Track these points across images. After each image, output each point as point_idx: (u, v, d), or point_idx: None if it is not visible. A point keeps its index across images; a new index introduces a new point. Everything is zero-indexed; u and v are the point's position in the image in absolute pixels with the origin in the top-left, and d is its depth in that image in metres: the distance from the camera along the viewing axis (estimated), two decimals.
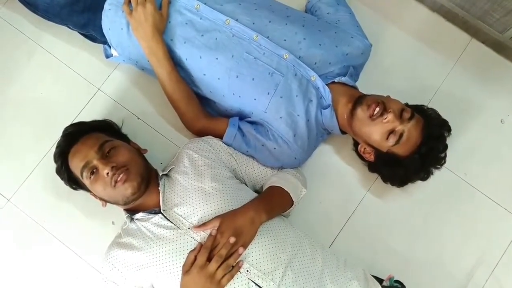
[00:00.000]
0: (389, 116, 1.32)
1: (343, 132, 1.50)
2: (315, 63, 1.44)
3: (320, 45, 1.44)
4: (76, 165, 1.30)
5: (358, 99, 1.39)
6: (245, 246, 1.20)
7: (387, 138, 1.34)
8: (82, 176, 1.29)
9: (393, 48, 1.63)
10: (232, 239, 1.18)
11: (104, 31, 1.49)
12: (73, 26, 1.52)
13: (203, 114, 1.49)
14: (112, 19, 1.46)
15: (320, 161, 1.53)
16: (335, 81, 1.45)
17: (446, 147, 1.41)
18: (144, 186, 1.30)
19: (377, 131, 1.35)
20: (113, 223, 1.53)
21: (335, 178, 1.60)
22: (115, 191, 1.27)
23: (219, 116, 1.53)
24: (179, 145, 1.58)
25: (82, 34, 1.58)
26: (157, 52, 1.40)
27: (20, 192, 1.57)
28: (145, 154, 1.43)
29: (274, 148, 1.43)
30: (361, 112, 1.36)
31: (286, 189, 1.34)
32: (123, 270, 1.29)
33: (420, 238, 1.56)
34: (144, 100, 1.62)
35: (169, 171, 1.39)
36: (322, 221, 1.56)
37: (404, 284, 1.40)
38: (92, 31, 1.52)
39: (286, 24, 1.45)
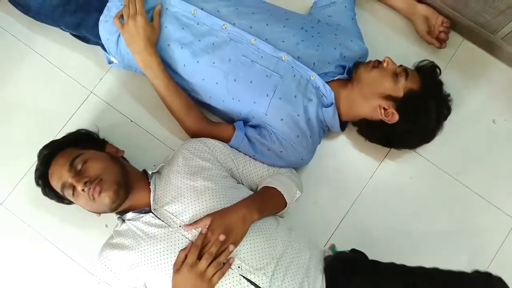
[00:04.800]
0: (387, 59, 1.42)
1: (342, 129, 1.52)
2: (314, 63, 1.45)
3: (318, 46, 1.45)
4: (56, 186, 1.31)
5: (356, 69, 1.45)
6: (235, 244, 1.20)
7: (397, 78, 1.39)
8: (64, 195, 1.30)
9: (385, 49, 1.63)
10: (222, 237, 1.18)
11: (103, 41, 1.49)
12: (66, 27, 1.52)
13: (205, 121, 1.49)
14: (109, 30, 1.46)
15: (314, 160, 1.53)
16: (335, 79, 1.47)
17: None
18: (123, 191, 1.28)
19: (385, 76, 1.40)
20: (106, 226, 1.52)
21: (330, 178, 1.60)
22: (96, 203, 1.27)
23: (220, 122, 1.54)
24: (172, 147, 1.58)
25: (74, 36, 1.57)
26: (152, 65, 1.40)
27: (13, 196, 1.56)
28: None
29: (281, 151, 1.44)
30: (364, 70, 1.43)
31: (279, 190, 1.34)
32: (116, 271, 1.29)
33: (413, 238, 1.57)
34: (137, 103, 1.61)
35: (160, 169, 1.39)
36: (317, 220, 1.57)
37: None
38: (85, 32, 1.51)
39: (284, 26, 1.45)
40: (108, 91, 1.62)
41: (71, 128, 1.57)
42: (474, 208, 1.59)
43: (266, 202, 1.32)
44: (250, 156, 1.46)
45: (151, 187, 1.33)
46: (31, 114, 1.61)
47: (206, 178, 1.31)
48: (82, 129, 1.48)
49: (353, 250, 1.42)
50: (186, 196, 1.28)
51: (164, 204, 1.28)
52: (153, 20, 1.42)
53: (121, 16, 1.41)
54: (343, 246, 1.54)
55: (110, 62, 1.56)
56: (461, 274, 1.25)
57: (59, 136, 1.55)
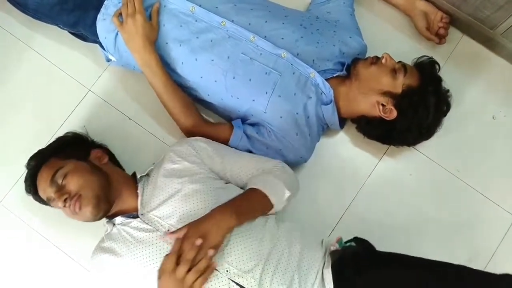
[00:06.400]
0: (385, 55, 1.42)
1: (341, 126, 1.52)
2: (313, 60, 1.44)
3: (317, 43, 1.45)
4: (43, 197, 1.34)
5: (354, 65, 1.45)
6: (215, 249, 1.16)
7: (396, 74, 1.39)
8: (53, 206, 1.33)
9: (383, 45, 1.62)
10: (198, 241, 1.14)
11: (101, 39, 1.49)
12: (63, 25, 1.52)
13: (203, 121, 1.48)
14: (107, 28, 1.46)
15: (312, 158, 1.52)
16: (334, 76, 1.46)
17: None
18: (104, 204, 1.29)
19: (384, 73, 1.40)
20: (104, 224, 1.52)
21: (329, 175, 1.59)
22: (80, 216, 1.29)
23: (218, 121, 1.53)
24: (170, 144, 1.57)
25: (72, 34, 1.57)
26: (150, 63, 1.40)
27: (11, 194, 1.56)
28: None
29: (280, 150, 1.44)
30: (362, 66, 1.43)
31: (264, 191, 1.29)
32: (107, 275, 1.30)
33: (413, 235, 1.56)
34: (135, 100, 1.61)
35: (150, 171, 1.38)
36: (316, 219, 1.56)
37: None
38: (83, 30, 1.51)
39: (283, 23, 1.45)
40: (106, 89, 1.62)
41: (69, 126, 1.58)
42: (474, 205, 1.58)
43: (246, 205, 1.27)
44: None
45: (139, 191, 1.33)
46: (29, 112, 1.61)
47: (194, 181, 1.30)
48: (69, 133, 1.47)
49: (356, 239, 1.38)
50: (174, 200, 1.27)
51: (152, 208, 1.28)
52: (151, 18, 1.41)
53: (120, 15, 1.41)
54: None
55: (108, 60, 1.56)
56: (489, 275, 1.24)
57: (58, 133, 1.57)
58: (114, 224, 1.33)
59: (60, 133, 1.56)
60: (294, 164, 1.51)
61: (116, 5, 1.44)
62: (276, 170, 1.38)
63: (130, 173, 1.45)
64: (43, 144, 1.53)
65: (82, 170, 1.31)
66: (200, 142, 1.40)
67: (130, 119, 1.60)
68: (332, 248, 1.34)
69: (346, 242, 1.36)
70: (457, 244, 1.56)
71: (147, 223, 1.26)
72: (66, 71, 1.63)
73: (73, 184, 1.27)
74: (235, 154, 1.42)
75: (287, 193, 1.34)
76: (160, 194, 1.29)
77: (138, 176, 1.37)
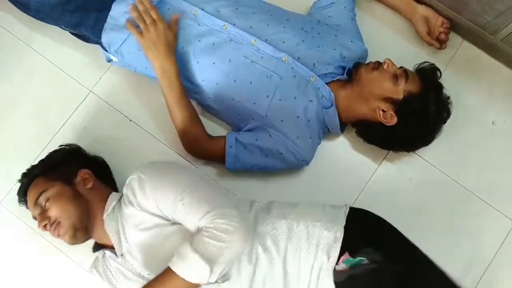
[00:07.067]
0: (387, 61, 1.43)
1: (342, 130, 1.52)
2: (314, 64, 1.44)
3: (318, 47, 1.45)
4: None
5: (356, 70, 1.46)
6: None
7: (397, 80, 1.39)
8: None
9: (384, 49, 1.63)
10: None
11: (105, 46, 1.49)
12: (65, 26, 1.52)
13: (205, 137, 1.47)
14: (112, 38, 1.47)
15: (312, 162, 1.52)
16: (335, 79, 1.47)
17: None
18: (81, 234, 1.32)
19: (386, 78, 1.40)
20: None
21: (328, 179, 1.59)
22: (61, 239, 1.33)
23: (219, 125, 1.54)
24: (171, 146, 1.58)
25: (74, 35, 1.57)
26: (170, 71, 1.38)
27: (11, 194, 1.55)
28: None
29: (281, 154, 1.43)
30: (364, 71, 1.43)
31: (181, 276, 1.13)
32: None
33: (412, 239, 1.56)
34: (136, 102, 1.61)
35: (121, 200, 1.33)
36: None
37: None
38: (85, 31, 1.51)
39: (284, 27, 1.45)
40: (107, 90, 1.62)
41: (70, 127, 1.59)
42: (473, 210, 1.58)
43: None
44: (248, 169, 1.43)
45: (111, 236, 1.31)
46: (30, 113, 1.60)
47: (148, 229, 1.25)
48: (62, 147, 1.46)
49: (376, 228, 1.33)
50: (137, 250, 1.27)
51: (127, 251, 1.29)
52: (171, 26, 1.40)
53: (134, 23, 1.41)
54: None
55: (109, 61, 1.56)
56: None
57: (59, 134, 1.57)
58: (104, 253, 1.36)
59: (61, 134, 1.57)
60: (296, 167, 1.51)
61: (123, 14, 1.44)
62: (199, 239, 1.14)
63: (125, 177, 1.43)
64: (43, 146, 1.54)
65: (63, 197, 1.32)
66: (137, 188, 1.25)
67: (131, 120, 1.60)
68: (338, 268, 1.20)
69: (354, 257, 1.21)
70: (457, 249, 1.56)
71: (126, 264, 1.30)
72: (67, 72, 1.63)
73: (53, 211, 1.30)
74: (167, 205, 1.22)
75: (206, 271, 1.11)
76: (125, 242, 1.29)
77: (104, 216, 1.32)
